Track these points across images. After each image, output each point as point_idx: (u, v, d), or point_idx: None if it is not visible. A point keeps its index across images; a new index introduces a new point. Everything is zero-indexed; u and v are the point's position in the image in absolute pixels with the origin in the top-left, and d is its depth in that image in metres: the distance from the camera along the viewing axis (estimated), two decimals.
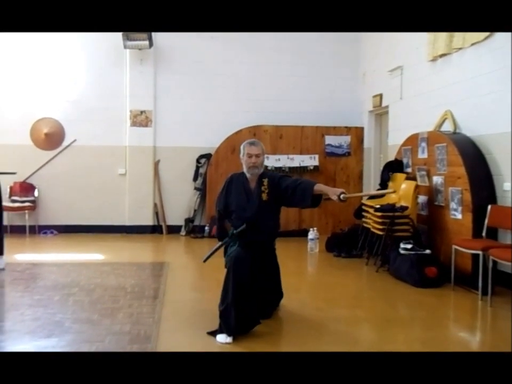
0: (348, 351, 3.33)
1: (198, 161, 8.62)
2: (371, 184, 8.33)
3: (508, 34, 4.80)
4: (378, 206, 5.89)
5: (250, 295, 3.60)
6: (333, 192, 3.70)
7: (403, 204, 5.82)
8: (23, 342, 3.47)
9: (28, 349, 3.32)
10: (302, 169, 8.46)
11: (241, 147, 4.09)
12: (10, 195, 8.08)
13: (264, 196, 3.99)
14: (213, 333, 3.56)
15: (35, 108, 8.30)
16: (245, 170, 4.07)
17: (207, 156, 8.58)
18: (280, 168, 8.33)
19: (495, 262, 4.49)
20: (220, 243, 4.06)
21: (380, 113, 8.40)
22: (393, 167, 6.59)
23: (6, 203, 6.22)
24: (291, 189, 3.89)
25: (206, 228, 8.33)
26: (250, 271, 3.67)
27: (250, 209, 3.99)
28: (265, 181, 4.01)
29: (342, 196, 3.63)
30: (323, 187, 3.85)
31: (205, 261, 3.99)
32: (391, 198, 6.20)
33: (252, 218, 3.93)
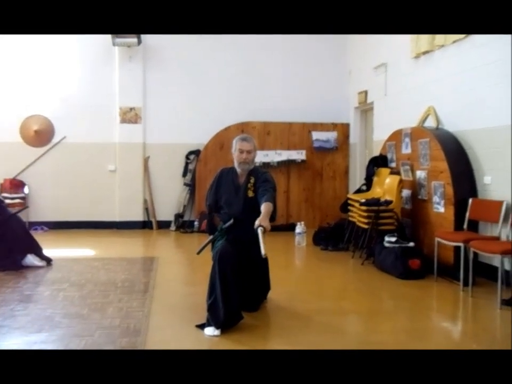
0: (334, 341, 3.43)
1: (187, 157, 8.69)
2: (357, 178, 8.44)
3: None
4: (363, 201, 6.01)
5: (235, 289, 3.64)
6: (259, 220, 3.52)
7: (387, 198, 5.94)
8: (13, 337, 3.50)
9: (19, 343, 3.36)
10: (290, 162, 8.57)
11: (234, 142, 4.13)
12: (1, 192, 8.08)
13: (250, 193, 4.03)
14: (201, 326, 3.61)
15: (24, 105, 8.31)
16: (235, 165, 4.11)
17: (196, 152, 8.64)
18: (268, 163, 8.42)
19: (476, 254, 4.59)
20: (210, 237, 4.09)
21: (365, 109, 8.51)
22: (378, 162, 6.71)
23: None
24: (259, 193, 3.93)
25: (196, 222, 8.42)
26: (236, 265, 3.72)
27: (237, 205, 4.05)
28: (252, 179, 4.05)
29: (259, 229, 3.44)
30: (263, 210, 3.66)
31: (198, 253, 3.95)
32: (376, 192, 6.33)
33: (238, 214, 3.99)
